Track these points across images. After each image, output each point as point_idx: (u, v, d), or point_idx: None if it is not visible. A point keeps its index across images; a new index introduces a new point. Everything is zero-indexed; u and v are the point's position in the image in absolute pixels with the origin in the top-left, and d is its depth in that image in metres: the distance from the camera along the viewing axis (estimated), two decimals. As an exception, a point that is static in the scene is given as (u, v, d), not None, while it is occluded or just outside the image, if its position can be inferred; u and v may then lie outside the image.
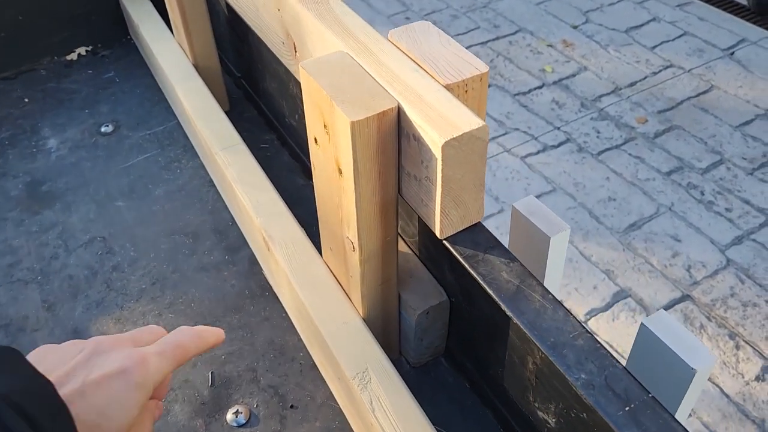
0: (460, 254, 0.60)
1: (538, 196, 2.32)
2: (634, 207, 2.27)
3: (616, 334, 1.90)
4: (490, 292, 0.56)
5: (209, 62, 1.18)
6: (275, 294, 0.90)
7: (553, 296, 0.55)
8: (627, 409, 0.48)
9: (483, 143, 0.56)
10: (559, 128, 2.62)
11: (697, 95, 2.74)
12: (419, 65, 0.62)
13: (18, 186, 1.09)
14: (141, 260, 0.96)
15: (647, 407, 0.48)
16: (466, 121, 0.55)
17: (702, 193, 2.31)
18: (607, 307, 1.98)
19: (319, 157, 0.67)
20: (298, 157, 1.12)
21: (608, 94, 2.77)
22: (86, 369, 0.43)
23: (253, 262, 0.95)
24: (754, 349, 1.85)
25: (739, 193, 2.30)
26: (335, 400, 0.78)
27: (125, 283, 0.93)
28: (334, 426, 0.76)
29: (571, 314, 0.54)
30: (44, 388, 0.38)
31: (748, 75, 2.83)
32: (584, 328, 0.53)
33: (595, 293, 2.02)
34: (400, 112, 0.58)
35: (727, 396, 1.75)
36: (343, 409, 0.77)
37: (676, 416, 0.65)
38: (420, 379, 0.81)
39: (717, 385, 1.77)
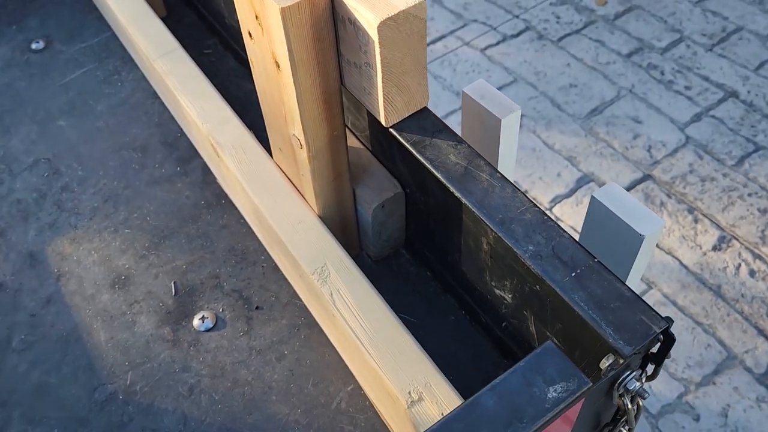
0: (407, 141, 0.59)
1: (499, 88, 2.30)
2: (596, 92, 2.27)
3: (580, 219, 1.94)
4: (438, 175, 0.56)
5: (138, -36, 1.10)
6: (231, 201, 0.89)
7: (501, 175, 0.55)
8: (573, 274, 0.49)
9: (421, 21, 0.54)
10: (518, 16, 2.55)
11: (657, -28, 2.68)
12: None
13: (-49, 112, 1.04)
14: (90, 179, 0.93)
15: (593, 272, 0.49)
16: (401, -2, 0.52)
17: (662, 73, 2.30)
18: (571, 192, 2.01)
19: (255, 53, 0.64)
20: (243, 61, 1.08)
21: (567, -24, 2.69)
22: None
23: (206, 171, 0.93)
24: (711, 221, 1.91)
25: (699, 71, 2.30)
26: (300, 298, 0.79)
27: (76, 203, 0.91)
28: (300, 322, 0.78)
29: (519, 191, 0.54)
30: None
31: (707, -53, 2.75)
32: (532, 203, 0.53)
33: (559, 180, 2.04)
34: (332, -5, 0.55)
35: (686, 267, 1.82)
36: (307, 306, 0.78)
37: (627, 281, 0.68)
38: (382, 272, 0.82)
39: (676, 258, 1.84)
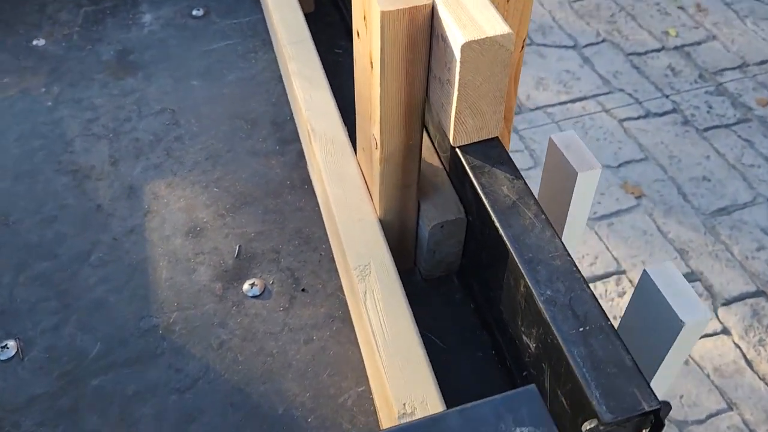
0: (468, 163, 0.60)
1: (627, 162, 2.22)
2: (729, 191, 2.13)
3: (674, 315, 1.82)
4: (486, 202, 0.57)
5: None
6: (313, 188, 0.94)
7: (546, 217, 0.55)
8: (581, 329, 0.48)
9: (507, 52, 0.55)
10: (668, 96, 2.46)
11: (835, 86, 2.48)
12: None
13: (110, 52, 1.17)
14: (201, 135, 1.02)
15: (601, 332, 0.47)
16: (493, 25, 0.54)
17: (810, 191, 2.12)
18: (672, 286, 1.89)
19: (358, 51, 0.68)
20: (367, 67, 1.13)
21: (733, 68, 2.56)
22: None
23: (301, 156, 0.99)
24: (824, 361, 1.73)
25: None
26: (343, 292, 0.82)
27: (183, 153, 1.00)
28: (336, 315, 0.80)
29: (558, 237, 0.54)
30: None
31: None
32: (566, 251, 0.53)
33: (663, 270, 1.93)
34: (434, 12, 0.58)
35: (779, 401, 1.66)
36: (347, 301, 0.81)
37: (660, 369, 0.64)
38: (429, 291, 0.83)
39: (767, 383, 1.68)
